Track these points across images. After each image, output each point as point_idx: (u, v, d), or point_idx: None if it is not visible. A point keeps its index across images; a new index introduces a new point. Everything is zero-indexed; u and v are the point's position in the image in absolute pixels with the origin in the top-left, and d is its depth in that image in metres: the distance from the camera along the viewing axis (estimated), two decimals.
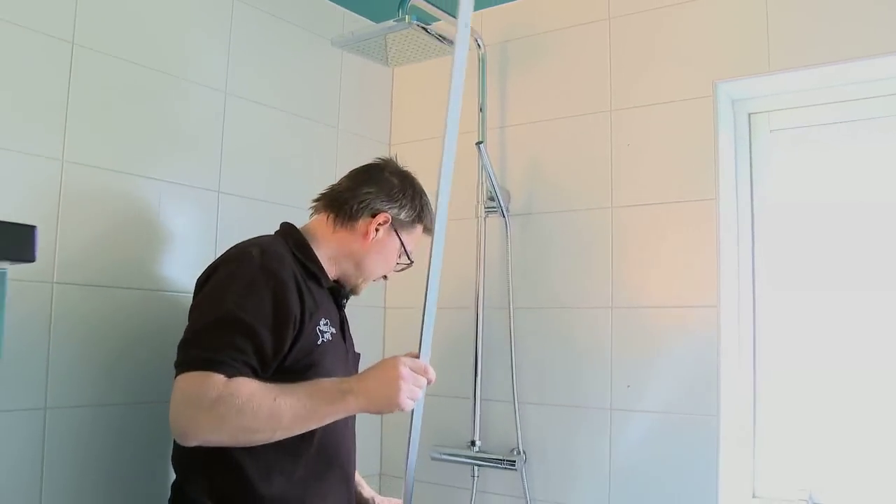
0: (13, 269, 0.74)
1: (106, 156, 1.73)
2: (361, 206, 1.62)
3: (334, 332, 1.57)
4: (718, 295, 1.95)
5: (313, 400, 1.33)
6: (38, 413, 1.59)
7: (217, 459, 1.42)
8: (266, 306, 1.40)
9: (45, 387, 1.60)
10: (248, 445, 1.38)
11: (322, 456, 1.53)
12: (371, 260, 1.65)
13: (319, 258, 1.60)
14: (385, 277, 1.75)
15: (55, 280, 1.62)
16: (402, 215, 1.66)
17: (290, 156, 2.22)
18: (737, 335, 2.03)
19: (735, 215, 2.06)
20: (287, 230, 1.64)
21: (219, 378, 1.30)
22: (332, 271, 1.65)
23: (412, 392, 1.36)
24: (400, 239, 1.66)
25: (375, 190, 1.64)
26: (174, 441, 1.52)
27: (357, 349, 1.78)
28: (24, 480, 1.56)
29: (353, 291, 1.71)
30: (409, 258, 1.70)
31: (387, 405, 1.35)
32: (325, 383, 1.37)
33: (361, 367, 1.71)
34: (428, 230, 1.69)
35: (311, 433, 1.45)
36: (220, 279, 1.45)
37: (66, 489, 1.63)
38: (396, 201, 1.65)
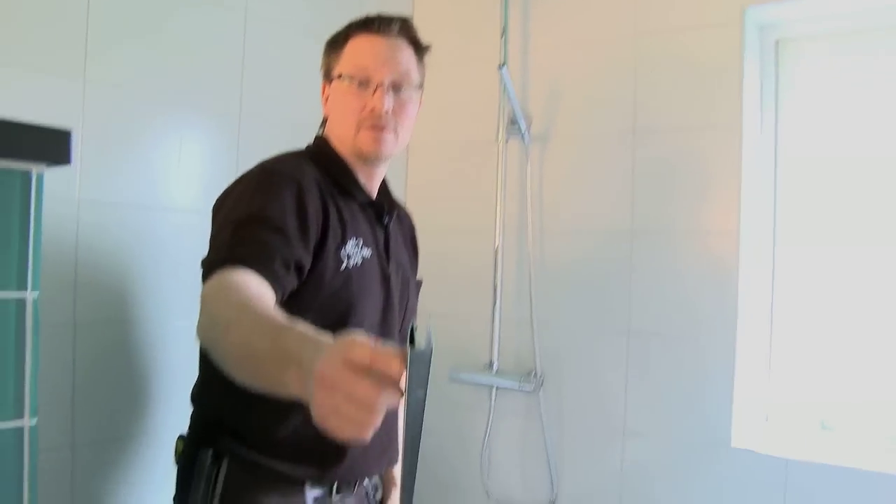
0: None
1: (127, 75, 1.72)
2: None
3: (368, 255, 1.41)
4: (739, 221, 1.95)
5: (264, 347, 0.90)
6: (67, 328, 1.63)
7: (234, 394, 1.25)
8: (288, 209, 1.26)
9: (73, 303, 1.63)
10: (229, 374, 1.00)
11: None
12: (334, 115, 1.48)
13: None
14: (376, 110, 1.40)
15: (79, 197, 1.64)
16: (327, 60, 1.50)
17: (311, 77, 2.20)
18: (756, 262, 2.03)
19: (758, 143, 2.04)
20: (316, 142, 1.52)
21: (233, 270, 1.12)
22: (364, 180, 1.49)
23: (341, 411, 0.72)
24: (337, 75, 1.45)
25: None
26: (198, 376, 1.49)
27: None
28: (57, 390, 1.60)
29: (365, 151, 1.43)
30: (351, 77, 1.42)
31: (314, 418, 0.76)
32: (293, 336, 0.87)
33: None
34: (359, 30, 1.45)
35: None
36: (235, 194, 1.33)
37: (97, 399, 1.68)
38: (322, 64, 1.53)
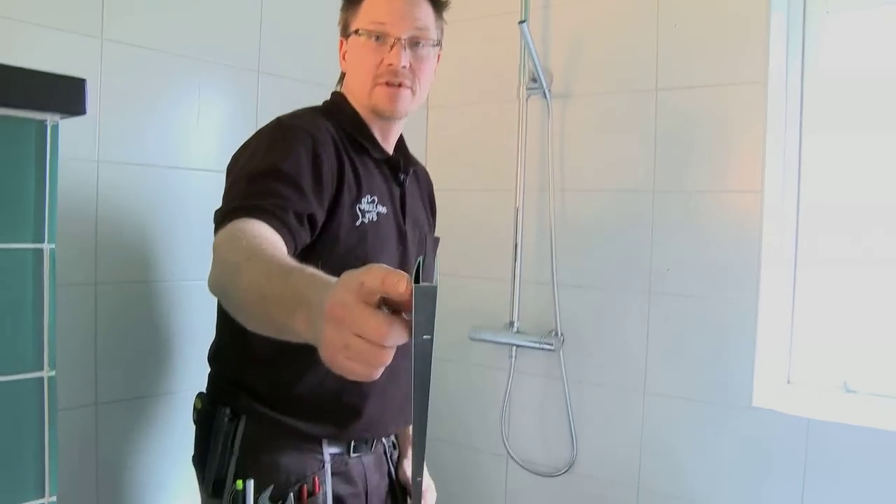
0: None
1: (145, 34, 1.71)
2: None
3: (383, 211, 1.42)
4: (763, 180, 1.92)
5: (273, 289, 0.87)
6: (89, 288, 1.64)
7: (251, 354, 1.35)
8: (304, 163, 1.26)
9: (94, 263, 1.64)
10: (237, 318, 1.00)
11: None
12: (350, 71, 1.47)
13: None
14: (393, 66, 1.40)
15: (98, 158, 1.63)
16: (345, 15, 1.48)
17: (330, 34, 2.18)
18: (779, 222, 2.00)
19: (784, 99, 2.00)
20: (333, 98, 1.51)
21: (246, 219, 1.12)
22: (380, 136, 1.49)
23: (350, 347, 0.68)
24: (354, 30, 1.44)
25: None
26: (215, 336, 1.51)
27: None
28: (80, 350, 1.62)
29: (381, 107, 1.43)
30: (368, 32, 1.40)
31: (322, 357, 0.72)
32: (303, 277, 0.84)
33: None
34: None
35: None
36: (251, 148, 1.33)
37: (119, 358, 1.69)
38: (340, 20, 1.51)
